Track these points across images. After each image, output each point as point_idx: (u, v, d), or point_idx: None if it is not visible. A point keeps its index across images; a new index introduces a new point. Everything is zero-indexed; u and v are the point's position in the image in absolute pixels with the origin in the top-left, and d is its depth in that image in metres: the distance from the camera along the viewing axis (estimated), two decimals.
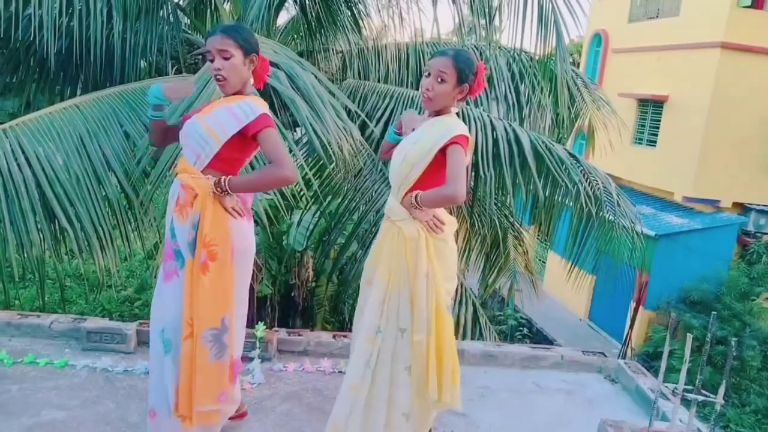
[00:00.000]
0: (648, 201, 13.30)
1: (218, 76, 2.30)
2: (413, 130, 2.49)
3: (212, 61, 2.31)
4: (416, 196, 2.33)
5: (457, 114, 2.49)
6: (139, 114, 3.92)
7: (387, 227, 2.47)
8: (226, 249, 2.30)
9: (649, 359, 10.63)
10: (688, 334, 2.49)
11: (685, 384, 2.39)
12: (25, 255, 3.55)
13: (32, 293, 7.83)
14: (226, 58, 2.28)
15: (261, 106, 2.32)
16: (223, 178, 2.26)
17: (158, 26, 5.06)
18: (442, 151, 2.32)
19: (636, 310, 9.04)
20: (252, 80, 2.43)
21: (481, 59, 6.07)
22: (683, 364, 2.37)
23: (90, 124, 3.79)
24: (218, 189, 2.26)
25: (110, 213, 3.80)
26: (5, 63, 5.41)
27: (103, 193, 3.75)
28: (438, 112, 2.44)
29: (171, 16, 5.29)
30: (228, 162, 2.34)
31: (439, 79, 2.33)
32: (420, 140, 2.37)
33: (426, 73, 2.38)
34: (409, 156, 2.37)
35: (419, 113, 2.69)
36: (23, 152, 3.60)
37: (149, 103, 2.44)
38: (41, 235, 3.57)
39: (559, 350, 3.91)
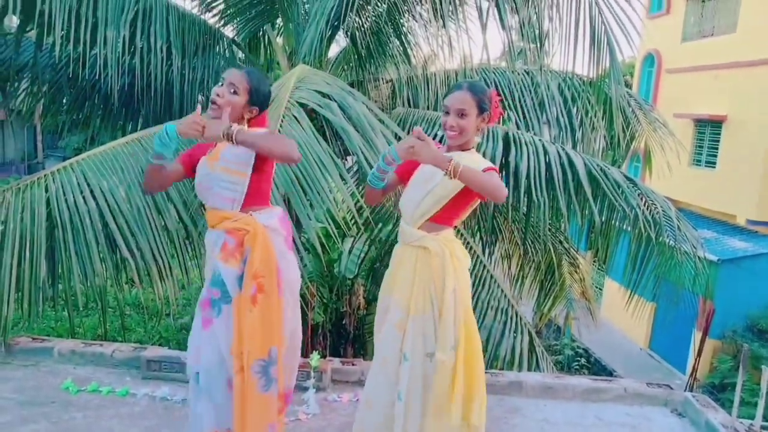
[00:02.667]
0: (709, 224, 12.79)
1: (214, 100, 2.28)
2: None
3: (219, 85, 2.31)
4: (457, 166, 2.16)
5: (479, 146, 2.52)
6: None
7: (402, 252, 2.47)
8: (273, 281, 2.33)
9: (715, 391, 10.10)
10: (763, 366, 2.35)
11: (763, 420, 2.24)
12: (89, 284, 3.69)
13: (94, 321, 8.09)
14: (234, 93, 2.28)
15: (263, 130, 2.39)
16: (232, 127, 2.17)
17: (215, 61, 5.24)
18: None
19: (703, 339, 8.57)
20: (245, 126, 2.34)
21: (532, 83, 6.03)
22: (759, 398, 2.23)
23: (149, 157, 3.92)
24: (226, 137, 2.17)
25: (169, 243, 3.90)
26: (73, 101, 5.71)
27: (163, 224, 3.86)
28: (461, 146, 2.43)
29: (226, 51, 5.47)
30: (257, 187, 2.37)
31: (460, 115, 2.36)
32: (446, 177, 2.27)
33: (444, 111, 2.40)
34: (437, 191, 2.37)
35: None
36: (88, 185, 3.76)
37: (158, 148, 2.28)
38: (104, 265, 3.70)
39: (621, 382, 3.75)
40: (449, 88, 2.46)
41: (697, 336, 11.12)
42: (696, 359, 9.92)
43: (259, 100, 2.34)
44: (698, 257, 4.99)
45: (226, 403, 2.31)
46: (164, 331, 8.78)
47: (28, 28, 5.06)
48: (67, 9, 4.41)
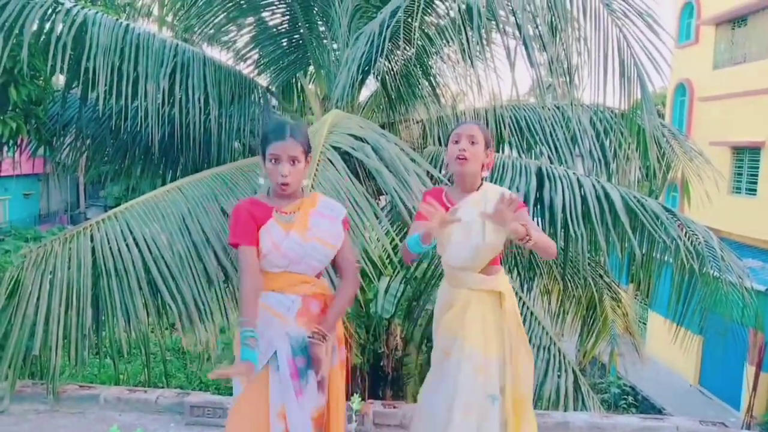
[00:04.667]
0: (754, 253, 12.40)
1: (285, 183, 2.23)
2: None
3: (275, 162, 2.22)
4: (525, 226, 2.27)
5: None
6: (235, 192, 4.13)
7: (466, 295, 2.46)
8: None
9: None
10: None
11: None
12: (132, 331, 3.75)
13: (136, 368, 8.19)
14: (294, 163, 2.23)
15: (340, 204, 2.43)
16: (320, 328, 2.22)
17: (250, 109, 5.41)
18: None
19: (757, 374, 8.26)
20: (306, 181, 2.37)
21: (563, 118, 6.02)
22: None
23: (191, 204, 4.03)
24: (322, 339, 2.21)
25: (209, 287, 3.96)
26: (114, 152, 5.93)
27: (203, 268, 3.92)
28: (471, 184, 2.48)
29: (261, 99, 5.64)
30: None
31: (470, 142, 2.42)
32: (487, 223, 2.35)
33: (453, 141, 2.46)
34: (494, 241, 2.42)
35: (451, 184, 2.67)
36: (131, 234, 3.87)
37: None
38: (146, 311, 3.77)
39: (673, 420, 3.62)
40: (454, 126, 2.55)
41: (749, 370, 10.68)
42: (751, 395, 9.48)
43: (310, 148, 2.33)
44: (745, 287, 4.83)
45: None
46: (204, 376, 8.82)
47: (73, 85, 5.32)
48: (109, 65, 4.62)
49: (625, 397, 11.83)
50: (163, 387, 4.92)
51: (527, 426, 2.42)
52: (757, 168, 13.13)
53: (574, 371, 4.51)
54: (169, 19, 6.37)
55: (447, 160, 2.50)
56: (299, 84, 6.44)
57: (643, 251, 4.79)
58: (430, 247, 2.32)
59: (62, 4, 4.68)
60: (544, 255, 2.38)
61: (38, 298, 3.61)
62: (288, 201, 2.30)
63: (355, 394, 3.50)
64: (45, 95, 5.46)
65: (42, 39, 4.80)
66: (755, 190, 13.20)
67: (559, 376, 4.33)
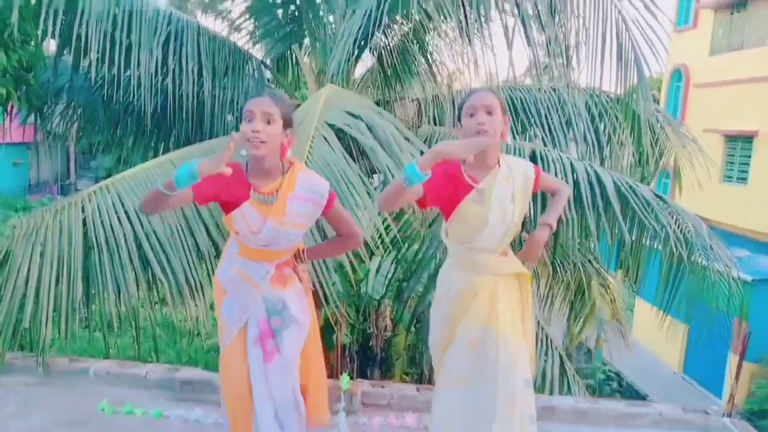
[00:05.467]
0: (742, 243, 12.49)
1: (255, 139, 2.13)
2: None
3: (250, 121, 2.15)
4: (553, 220, 2.36)
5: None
6: None
7: (493, 282, 2.35)
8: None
9: (754, 417, 9.77)
10: None
11: None
12: (122, 305, 3.75)
13: (126, 342, 8.18)
14: (269, 122, 2.16)
15: (323, 181, 2.32)
16: (300, 249, 2.32)
17: (244, 82, 5.33)
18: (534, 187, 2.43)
19: (740, 363, 8.35)
20: (279, 154, 2.26)
21: (559, 101, 6.00)
22: None
23: None
24: (298, 260, 2.38)
25: (200, 262, 3.94)
26: (106, 122, 5.85)
27: (195, 243, 3.90)
28: (492, 158, 2.34)
29: (255, 72, 5.56)
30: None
31: (487, 112, 2.23)
32: (515, 198, 2.35)
33: (468, 114, 2.25)
34: (516, 220, 2.36)
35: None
36: (123, 206, 3.84)
37: (178, 184, 2.04)
38: (137, 286, 3.76)
39: (656, 407, 3.67)
40: (465, 96, 2.35)
41: (732, 359, 10.84)
42: (734, 383, 9.64)
43: (291, 122, 2.26)
44: (732, 277, 4.88)
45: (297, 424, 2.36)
46: (193, 352, 8.84)
47: (64, 52, 5.22)
48: (102, 32, 4.54)
49: (610, 383, 11.98)
50: (152, 362, 4.93)
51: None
52: (749, 157, 13.18)
53: (560, 356, 4.57)
54: None
55: (463, 135, 2.26)
56: (294, 57, 6.35)
57: (633, 238, 4.80)
58: (426, 178, 2.05)
59: None
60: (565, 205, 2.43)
61: (28, 270, 3.59)
62: (267, 178, 2.23)
63: (343, 374, 3.52)
64: (36, 61, 5.35)
65: (33, 2, 4.69)
66: (746, 179, 13.27)
67: (545, 361, 4.38)
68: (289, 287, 2.37)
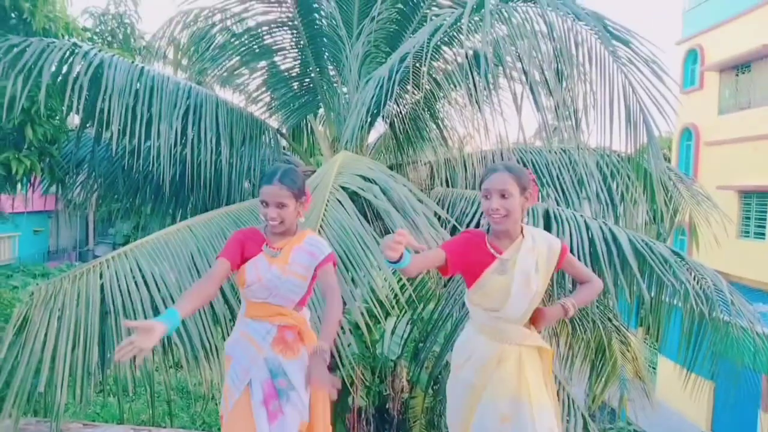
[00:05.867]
0: (764, 298, 12.25)
1: (273, 222, 2.41)
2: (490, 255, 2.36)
3: (266, 206, 2.42)
4: (571, 305, 2.35)
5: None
6: None
7: (518, 351, 2.32)
8: None
9: None
10: None
11: None
12: (137, 369, 3.74)
13: (139, 407, 8.09)
14: (282, 206, 2.40)
15: (326, 244, 2.53)
16: (321, 343, 2.21)
17: (261, 150, 5.49)
18: (558, 263, 2.40)
19: None
20: (302, 219, 2.53)
21: (570, 161, 6.07)
22: None
23: (200, 243, 4.06)
24: (323, 354, 2.19)
25: (215, 325, 3.95)
26: (126, 190, 6.00)
27: (210, 306, 3.93)
28: (513, 233, 2.36)
29: (272, 140, 5.73)
30: (309, 290, 2.52)
31: (502, 196, 2.27)
32: (539, 268, 2.34)
33: (484, 197, 2.30)
34: (539, 291, 2.34)
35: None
36: (141, 272, 3.90)
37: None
38: (153, 350, 3.76)
39: None
40: (484, 172, 2.40)
41: (763, 417, 10.43)
42: None
43: (302, 192, 2.47)
44: (756, 332, 4.77)
45: None
46: (207, 416, 8.70)
47: (87, 125, 5.43)
48: (124, 106, 4.74)
49: None
50: (166, 426, 4.86)
51: None
52: (765, 212, 13.12)
53: (583, 416, 4.43)
54: (184, 62, 6.54)
55: (483, 214, 2.36)
56: (309, 126, 6.56)
57: (652, 295, 4.75)
58: (405, 261, 2.12)
59: (80, 47, 4.82)
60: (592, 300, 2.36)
61: (45, 335, 3.61)
62: (280, 237, 2.47)
63: None
64: (60, 134, 5.57)
65: (59, 80, 4.93)
66: (764, 234, 13.15)
67: (567, 421, 4.25)
68: (290, 356, 2.42)
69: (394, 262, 2.09)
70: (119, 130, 4.80)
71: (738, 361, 4.80)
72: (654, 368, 13.58)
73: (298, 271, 2.42)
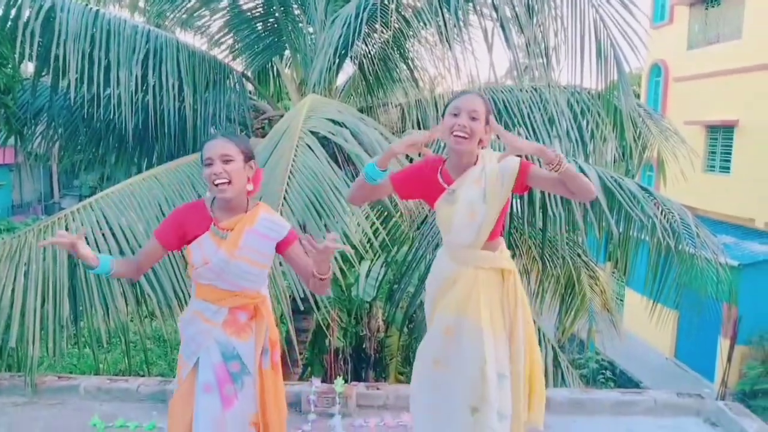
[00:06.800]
0: (727, 230, 12.64)
1: (219, 180, 2.16)
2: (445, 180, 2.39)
3: (209, 166, 2.17)
4: (564, 158, 2.19)
5: None
6: None
7: (473, 274, 2.38)
8: (279, 348, 2.37)
9: (746, 398, 9.87)
10: None
11: None
12: (111, 320, 3.72)
13: (116, 357, 8.12)
14: (228, 162, 2.17)
15: (285, 222, 2.33)
16: (333, 236, 2.11)
17: (226, 95, 5.33)
18: (518, 182, 2.35)
19: (732, 346, 8.47)
20: (250, 186, 2.28)
21: (541, 100, 6.04)
22: None
23: (167, 192, 3.99)
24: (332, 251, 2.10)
25: (188, 275, 3.92)
26: (88, 141, 5.82)
27: (181, 255, 3.88)
28: (468, 161, 2.36)
29: (237, 85, 5.56)
30: (266, 274, 2.35)
31: (471, 117, 2.26)
32: (487, 197, 2.33)
33: (452, 113, 2.28)
34: (491, 213, 2.34)
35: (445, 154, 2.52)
36: (107, 223, 3.83)
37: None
38: (125, 301, 3.74)
39: (651, 394, 3.69)
40: (453, 95, 2.39)
41: (723, 343, 10.95)
42: (726, 367, 9.72)
43: (250, 153, 2.26)
44: (720, 263, 4.93)
45: None
46: None
47: (43, 73, 5.19)
48: (80, 52, 4.52)
49: (603, 371, 12.07)
50: (144, 375, 4.89)
51: (537, 398, 2.44)
52: (731, 146, 13.35)
53: (553, 348, 4.59)
54: (141, 4, 6.24)
55: (442, 130, 2.29)
56: (275, 69, 6.37)
57: (620, 230, 4.85)
58: (385, 174, 2.31)
59: None
60: (579, 191, 2.22)
61: (13, 291, 3.56)
62: (230, 214, 2.25)
63: (338, 377, 3.52)
64: (14, 83, 5.33)
65: (9, 25, 4.67)
66: (729, 168, 13.43)
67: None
68: (243, 338, 2.25)
69: (380, 171, 2.27)
70: (77, 77, 4.60)
71: (701, 291, 4.97)
72: (621, 300, 14.04)
73: (251, 257, 2.22)
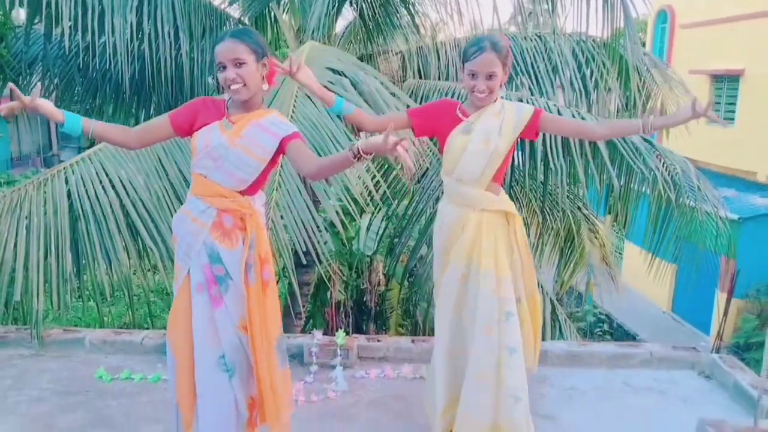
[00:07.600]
0: (729, 182, 12.57)
1: (234, 84, 2.15)
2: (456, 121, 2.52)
3: (222, 70, 2.15)
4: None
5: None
6: None
7: (478, 217, 2.49)
8: (273, 266, 2.36)
9: (740, 351, 10.04)
10: None
11: None
12: (114, 274, 3.75)
13: (120, 310, 8.22)
14: (241, 65, 2.14)
15: (289, 123, 2.31)
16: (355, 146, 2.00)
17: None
18: (530, 126, 2.47)
19: (728, 300, 8.54)
20: (265, 85, 2.27)
21: (545, 49, 5.91)
22: None
23: (166, 144, 3.93)
24: (356, 157, 1.99)
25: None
26: (85, 91, 5.72)
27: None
28: (488, 103, 2.48)
29: None
30: (264, 176, 2.31)
31: (489, 78, 2.39)
32: (503, 131, 2.45)
33: (470, 74, 2.40)
34: (500, 150, 2.45)
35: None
36: (107, 175, 3.80)
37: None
38: (128, 254, 3.76)
39: (647, 346, 3.75)
40: (468, 47, 2.42)
41: (720, 296, 11.05)
42: (722, 320, 9.84)
43: (263, 51, 2.22)
44: (719, 217, 4.93)
45: (249, 374, 2.31)
46: None
47: (36, 21, 5.06)
48: None
49: (601, 325, 12.21)
50: (148, 328, 4.95)
51: (536, 342, 2.61)
52: (736, 97, 13.12)
53: (551, 301, 4.63)
54: None
55: (463, 84, 2.45)
56: (273, 15, 6.20)
57: (621, 183, 4.83)
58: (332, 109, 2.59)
59: None
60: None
61: (15, 244, 3.56)
62: (242, 111, 2.25)
63: (339, 330, 3.56)
64: (6, 31, 5.19)
65: None
66: (733, 119, 13.24)
67: None
68: (227, 244, 2.23)
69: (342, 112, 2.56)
70: (70, 25, 4.48)
71: (700, 244, 4.99)
72: (620, 254, 14.11)
73: (249, 147, 2.20)
